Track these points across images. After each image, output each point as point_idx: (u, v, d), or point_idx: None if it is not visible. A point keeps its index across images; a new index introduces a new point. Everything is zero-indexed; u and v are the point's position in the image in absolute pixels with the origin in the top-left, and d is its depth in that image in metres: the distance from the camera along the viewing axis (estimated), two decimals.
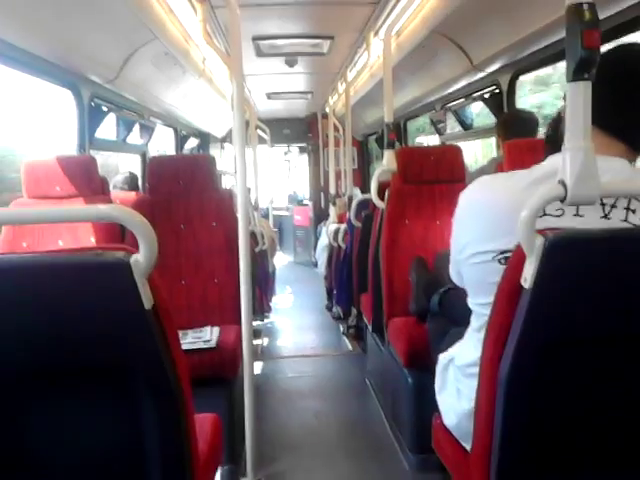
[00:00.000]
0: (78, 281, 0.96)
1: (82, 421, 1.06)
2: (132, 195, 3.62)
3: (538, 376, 1.01)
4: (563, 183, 0.93)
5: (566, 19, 0.90)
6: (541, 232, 0.94)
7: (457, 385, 1.36)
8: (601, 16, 0.92)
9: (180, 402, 1.06)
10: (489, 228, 1.16)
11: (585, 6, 0.89)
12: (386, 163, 2.78)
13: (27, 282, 0.95)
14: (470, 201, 1.24)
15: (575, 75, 0.91)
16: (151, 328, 0.98)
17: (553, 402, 1.04)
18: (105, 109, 3.54)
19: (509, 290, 1.01)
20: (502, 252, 1.12)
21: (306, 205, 8.81)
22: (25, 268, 0.95)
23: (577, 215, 1.07)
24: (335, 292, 4.65)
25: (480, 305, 1.24)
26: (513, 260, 1.01)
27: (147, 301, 0.96)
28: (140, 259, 0.95)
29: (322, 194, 8.26)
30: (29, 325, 0.97)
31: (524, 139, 2.55)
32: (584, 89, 0.92)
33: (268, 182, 7.70)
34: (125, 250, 0.95)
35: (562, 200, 0.93)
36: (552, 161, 1.12)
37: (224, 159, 7.96)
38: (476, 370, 1.15)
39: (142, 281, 0.95)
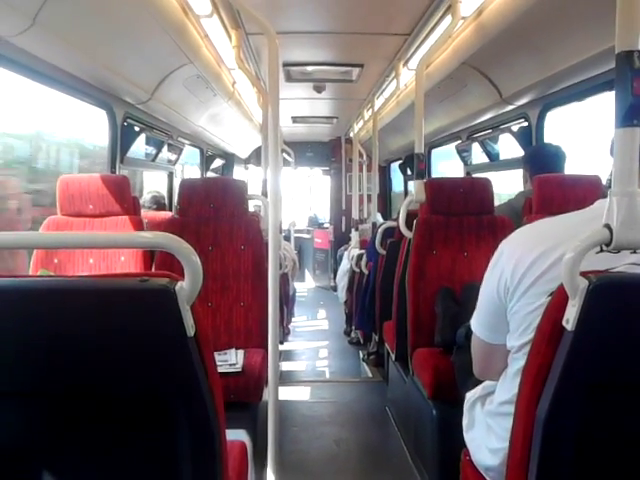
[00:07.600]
0: (123, 307, 0.96)
1: (117, 448, 1.05)
2: (161, 215, 3.67)
3: (578, 419, 0.99)
4: (609, 227, 0.93)
5: (616, 66, 0.91)
6: (585, 275, 0.94)
7: (488, 424, 1.34)
8: None
9: (216, 430, 1.04)
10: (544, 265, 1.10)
11: (636, 54, 0.90)
12: (415, 193, 2.78)
13: (72, 305, 0.95)
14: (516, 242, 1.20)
15: (624, 121, 0.91)
16: (193, 355, 0.97)
17: (592, 446, 1.02)
18: (137, 129, 3.62)
19: (550, 330, 1.00)
20: None
21: (326, 228, 8.83)
22: (70, 291, 0.96)
23: None
24: (356, 317, 4.63)
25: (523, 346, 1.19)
26: (555, 300, 1.00)
27: (190, 328, 0.95)
28: (185, 286, 0.95)
29: (343, 218, 8.28)
30: (72, 349, 0.97)
31: (554, 174, 2.55)
32: (632, 136, 0.92)
33: (290, 204, 7.72)
34: (170, 277, 0.95)
35: (607, 244, 0.93)
36: (601, 204, 1.09)
37: (248, 179, 8.02)
38: (510, 409, 1.14)
39: (186, 308, 0.94)
